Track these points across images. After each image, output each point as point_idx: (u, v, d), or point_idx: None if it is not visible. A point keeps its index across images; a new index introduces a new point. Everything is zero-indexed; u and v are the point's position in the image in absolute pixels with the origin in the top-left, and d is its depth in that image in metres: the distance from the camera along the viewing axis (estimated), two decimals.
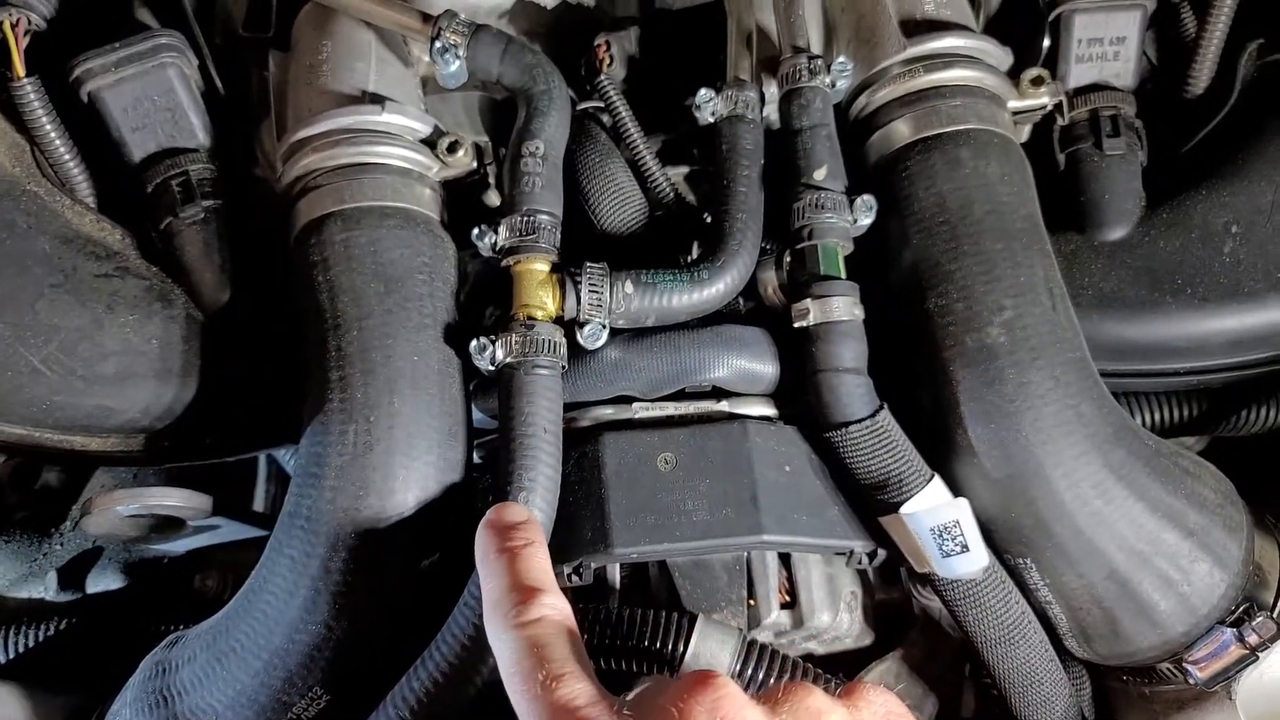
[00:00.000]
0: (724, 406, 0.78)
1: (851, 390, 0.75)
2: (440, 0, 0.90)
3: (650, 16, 1.01)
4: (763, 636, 0.78)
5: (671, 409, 0.79)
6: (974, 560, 0.72)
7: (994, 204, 0.78)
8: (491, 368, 0.75)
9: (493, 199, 0.87)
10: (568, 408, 0.78)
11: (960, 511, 0.72)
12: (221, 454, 0.84)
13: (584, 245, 0.83)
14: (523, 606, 0.57)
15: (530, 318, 0.75)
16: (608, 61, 0.88)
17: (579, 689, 0.52)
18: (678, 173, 0.91)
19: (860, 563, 0.78)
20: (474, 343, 0.74)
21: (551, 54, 0.96)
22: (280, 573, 0.71)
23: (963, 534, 0.72)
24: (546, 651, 0.54)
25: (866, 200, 0.78)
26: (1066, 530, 0.72)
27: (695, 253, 0.85)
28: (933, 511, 0.70)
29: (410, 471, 0.71)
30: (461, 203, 0.88)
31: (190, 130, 0.84)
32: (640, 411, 0.78)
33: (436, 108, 0.89)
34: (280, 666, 0.70)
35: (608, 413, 0.78)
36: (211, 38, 0.93)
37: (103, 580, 0.89)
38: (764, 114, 0.85)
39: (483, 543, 0.63)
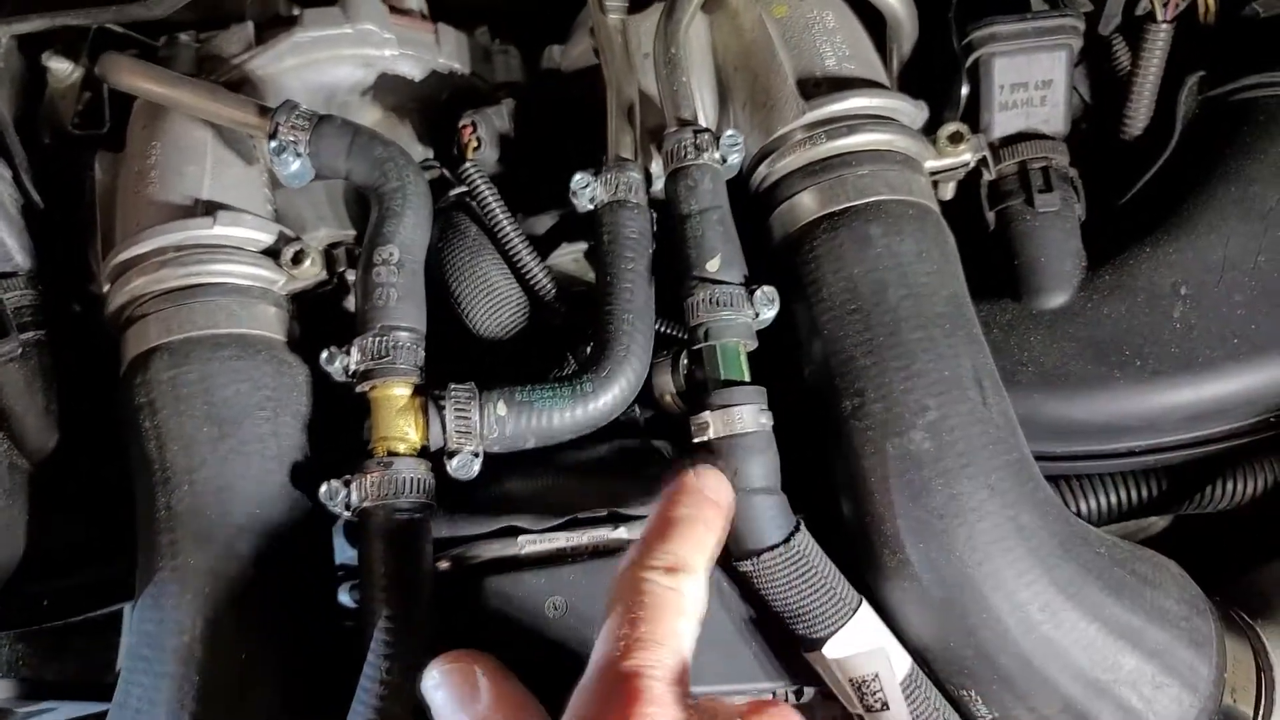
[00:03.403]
0: (621, 534, 0.69)
1: (762, 513, 0.65)
2: (292, 84, 0.82)
3: (537, 80, 0.92)
4: None
5: (562, 540, 0.69)
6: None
7: (911, 287, 0.69)
8: (348, 513, 0.65)
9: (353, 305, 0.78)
10: (444, 544, 0.69)
11: (879, 664, 0.63)
12: (62, 615, 0.74)
13: (460, 355, 0.74)
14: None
15: (391, 452, 0.66)
16: (474, 145, 0.79)
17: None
18: (574, 250, 0.82)
19: (786, 699, 0.69)
20: (324, 488, 0.65)
21: (425, 129, 0.88)
22: None
23: (882, 690, 0.63)
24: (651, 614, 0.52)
25: (767, 292, 0.69)
26: (1013, 661, 0.64)
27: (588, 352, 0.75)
28: (850, 661, 0.61)
29: (260, 649, 0.62)
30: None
31: (4, 253, 0.75)
32: (527, 546, 0.69)
33: (292, 200, 0.79)
34: None
35: (490, 550, 0.69)
36: (40, 137, 0.83)
37: None
38: (651, 192, 0.76)
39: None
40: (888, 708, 0.61)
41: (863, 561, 0.67)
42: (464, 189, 0.77)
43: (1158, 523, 0.84)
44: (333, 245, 0.77)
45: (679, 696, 0.49)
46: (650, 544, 0.56)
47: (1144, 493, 0.79)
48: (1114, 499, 0.79)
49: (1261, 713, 0.69)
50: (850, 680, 0.61)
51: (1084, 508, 0.79)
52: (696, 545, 0.57)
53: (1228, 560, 0.78)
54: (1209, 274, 0.75)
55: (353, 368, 0.68)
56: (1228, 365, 0.73)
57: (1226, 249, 0.75)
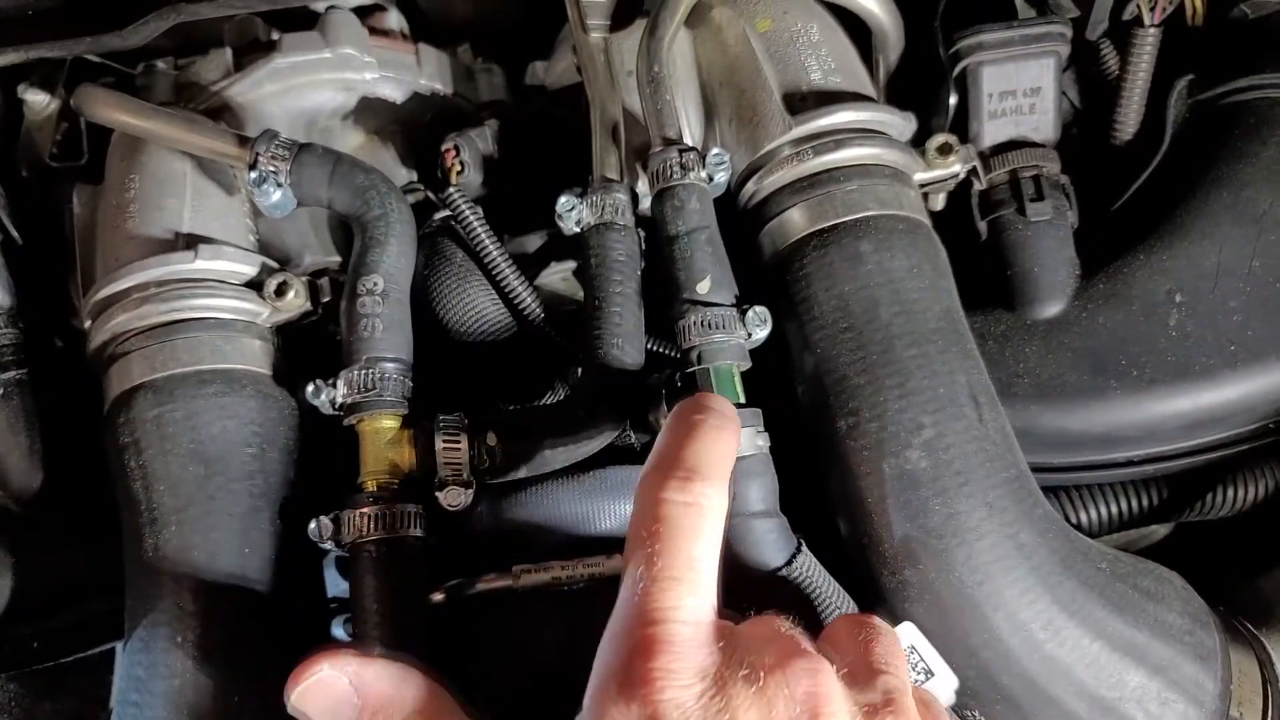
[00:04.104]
0: (617, 561, 0.68)
1: (762, 537, 0.65)
2: (272, 110, 0.81)
3: (521, 97, 0.91)
4: None
5: (558, 569, 0.68)
6: (944, 684, 0.62)
7: (903, 303, 0.68)
8: (339, 550, 0.64)
9: None
10: (438, 578, 0.67)
11: (909, 635, 0.62)
12: (52, 657, 0.73)
13: (449, 382, 0.73)
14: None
15: (380, 485, 0.65)
16: (458, 169, 0.78)
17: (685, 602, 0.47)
18: (563, 269, 0.81)
19: None
20: (313, 525, 0.64)
21: (409, 152, 0.87)
22: None
23: (921, 659, 0.62)
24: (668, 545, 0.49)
25: (759, 313, 0.68)
26: (1016, 681, 0.63)
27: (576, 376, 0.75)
28: None
29: (252, 690, 0.61)
30: None
31: None
32: (523, 577, 0.68)
33: (276, 227, 0.78)
34: None
35: (484, 582, 0.68)
36: (17, 170, 0.82)
37: None
38: (638, 210, 0.74)
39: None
40: (932, 674, 0.59)
41: (862, 582, 0.67)
42: (449, 213, 0.76)
43: (1159, 531, 0.84)
44: (317, 274, 0.76)
45: (704, 636, 0.47)
46: (667, 449, 0.53)
47: (1144, 502, 0.78)
48: (1114, 509, 0.78)
49: None
50: None
51: (1084, 519, 0.78)
52: (716, 448, 0.53)
53: (1230, 567, 0.77)
54: (1204, 280, 0.74)
55: (340, 401, 0.67)
56: (1225, 372, 0.72)
57: (1221, 255, 0.74)
